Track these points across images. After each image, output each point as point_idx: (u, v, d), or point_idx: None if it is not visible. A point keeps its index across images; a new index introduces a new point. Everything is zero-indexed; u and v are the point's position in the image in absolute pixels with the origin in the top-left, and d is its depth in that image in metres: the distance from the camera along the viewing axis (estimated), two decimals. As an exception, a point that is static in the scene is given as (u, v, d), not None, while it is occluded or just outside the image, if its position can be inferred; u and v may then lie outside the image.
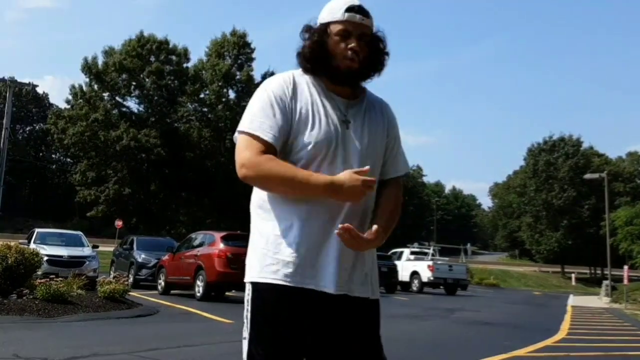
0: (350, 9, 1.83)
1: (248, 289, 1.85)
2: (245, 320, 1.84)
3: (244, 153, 1.78)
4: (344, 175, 1.71)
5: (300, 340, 1.78)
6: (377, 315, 1.91)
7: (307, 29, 1.90)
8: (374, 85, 2.00)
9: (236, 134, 1.86)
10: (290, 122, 1.80)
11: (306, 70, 1.89)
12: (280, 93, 1.83)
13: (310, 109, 1.82)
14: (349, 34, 1.83)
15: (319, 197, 1.74)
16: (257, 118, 1.80)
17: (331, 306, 1.79)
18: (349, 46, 1.82)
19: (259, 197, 1.88)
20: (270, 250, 1.80)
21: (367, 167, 1.73)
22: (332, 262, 1.77)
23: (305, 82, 1.88)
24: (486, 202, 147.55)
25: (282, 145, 1.80)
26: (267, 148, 1.77)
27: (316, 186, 1.72)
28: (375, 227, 1.78)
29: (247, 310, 1.84)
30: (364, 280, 1.85)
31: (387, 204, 1.90)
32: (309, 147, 1.78)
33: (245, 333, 1.83)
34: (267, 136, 1.77)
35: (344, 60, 1.82)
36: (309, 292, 1.77)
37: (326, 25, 1.85)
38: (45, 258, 11.98)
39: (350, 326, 1.82)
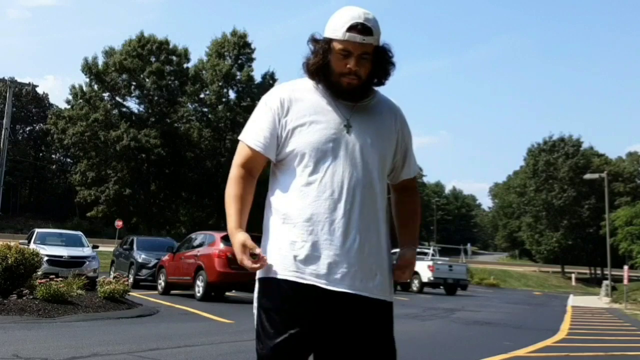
0: (351, 28, 1.83)
1: (255, 285, 1.95)
2: (254, 317, 1.94)
3: (235, 158, 2.00)
4: (239, 241, 1.86)
5: (304, 336, 1.82)
6: (383, 316, 1.94)
7: (313, 41, 1.92)
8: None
9: None
10: (278, 130, 1.91)
11: (312, 79, 1.95)
12: (275, 104, 1.93)
13: (308, 115, 1.89)
14: (349, 54, 1.85)
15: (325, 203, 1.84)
16: (250, 128, 1.97)
17: (334, 304, 1.82)
18: (348, 66, 1.85)
19: (274, 199, 1.94)
20: (278, 247, 1.88)
21: (258, 250, 1.87)
22: (339, 259, 1.83)
23: (308, 90, 1.94)
24: (486, 202, 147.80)
25: (277, 150, 1.93)
26: (254, 156, 1.95)
27: (229, 228, 1.93)
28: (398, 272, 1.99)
29: (254, 307, 1.94)
30: (370, 280, 1.88)
31: (404, 214, 2.09)
32: (305, 150, 1.87)
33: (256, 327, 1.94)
34: (254, 145, 1.93)
35: (344, 78, 1.87)
36: (314, 288, 1.82)
37: (329, 41, 1.87)
38: (45, 258, 11.97)
39: (353, 325, 1.85)
